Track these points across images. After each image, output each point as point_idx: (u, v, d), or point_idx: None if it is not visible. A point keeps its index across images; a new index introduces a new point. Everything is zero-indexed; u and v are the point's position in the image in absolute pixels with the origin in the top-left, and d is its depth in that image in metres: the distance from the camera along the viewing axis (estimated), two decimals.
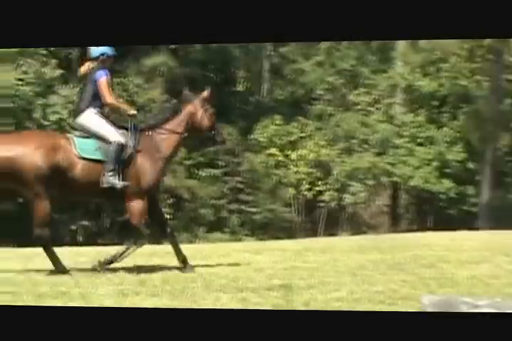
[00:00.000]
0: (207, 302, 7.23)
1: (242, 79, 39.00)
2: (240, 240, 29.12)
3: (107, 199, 10.00)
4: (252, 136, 34.93)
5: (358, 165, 33.43)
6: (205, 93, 9.89)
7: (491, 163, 33.02)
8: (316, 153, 33.93)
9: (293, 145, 34.62)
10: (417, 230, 26.58)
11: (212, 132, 9.89)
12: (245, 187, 34.27)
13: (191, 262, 9.55)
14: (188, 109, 9.76)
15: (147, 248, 10.23)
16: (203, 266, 9.80)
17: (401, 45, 36.08)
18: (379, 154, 34.16)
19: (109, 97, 9.43)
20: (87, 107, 9.44)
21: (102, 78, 9.43)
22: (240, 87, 38.95)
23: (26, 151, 8.95)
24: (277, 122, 34.92)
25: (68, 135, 9.50)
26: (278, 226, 34.22)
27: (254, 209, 33.82)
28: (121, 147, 9.25)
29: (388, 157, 33.86)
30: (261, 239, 28.14)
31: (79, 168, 9.12)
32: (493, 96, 34.03)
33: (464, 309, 4.60)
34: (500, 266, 9.68)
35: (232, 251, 12.17)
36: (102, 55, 9.57)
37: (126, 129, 9.48)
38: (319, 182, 33.75)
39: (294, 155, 34.18)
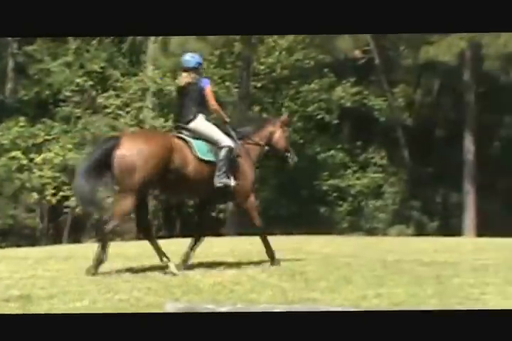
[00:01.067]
0: None
1: None
2: None
3: (215, 197, 10.83)
4: None
5: None
6: (284, 116, 11.75)
7: None
8: (63, 156, 33.40)
9: (38, 148, 33.93)
10: (165, 237, 26.80)
11: (287, 154, 11.50)
12: None
13: None
14: (269, 127, 11.20)
15: None
16: None
17: (152, 48, 36.30)
18: None
19: (215, 103, 10.48)
20: (197, 113, 10.33)
21: (208, 86, 10.47)
22: None
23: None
24: (21, 124, 34.07)
25: (182, 136, 10.21)
26: (20, 233, 33.42)
27: None
28: (231, 150, 10.31)
29: None
30: (0, 247, 27.35)
31: (192, 167, 10.00)
32: (241, 102, 34.81)
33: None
34: (243, 271, 9.90)
35: None
36: (199, 64, 10.66)
37: (228, 135, 10.51)
38: (65, 187, 33.20)
39: (38, 159, 33.48)
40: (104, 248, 9.60)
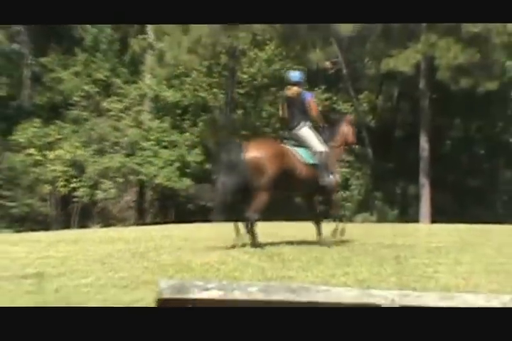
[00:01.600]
0: None
1: (4, 85, 37.56)
2: None
3: (318, 194, 11.44)
4: (12, 137, 33.82)
5: (110, 165, 33.14)
6: (350, 116, 12.47)
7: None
8: (72, 153, 33.33)
9: (50, 146, 33.80)
10: (160, 223, 26.74)
11: (354, 146, 12.61)
12: (4, 184, 33.13)
13: None
14: (343, 129, 11.56)
15: None
16: None
17: (149, 59, 36.24)
18: (128, 155, 34.05)
19: (315, 112, 11.02)
20: (301, 122, 10.85)
21: (312, 98, 11.15)
22: (2, 92, 37.50)
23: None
24: (36, 125, 33.97)
25: (285, 144, 10.79)
26: (34, 219, 33.31)
27: (12, 204, 32.77)
28: (325, 154, 10.86)
29: (136, 158, 33.81)
30: (18, 231, 27.25)
31: (300, 170, 10.58)
32: (227, 107, 34.89)
33: (196, 291, 4.64)
34: (228, 253, 9.88)
35: None
36: (302, 79, 11.12)
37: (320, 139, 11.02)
38: (74, 180, 33.14)
39: (51, 155, 33.36)
40: (254, 236, 10.53)
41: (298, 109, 10.89)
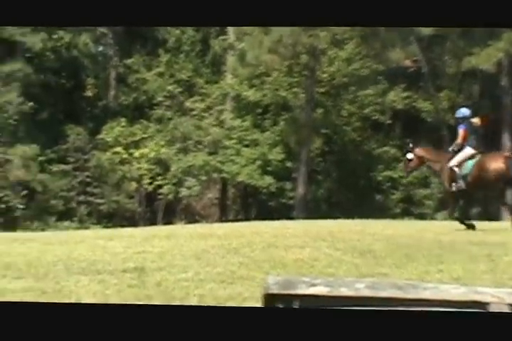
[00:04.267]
0: (68, 284, 7.04)
1: (91, 85, 38.33)
2: (86, 228, 28.60)
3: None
4: (99, 136, 34.47)
5: (193, 163, 33.48)
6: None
7: (305, 163, 33.69)
8: (157, 151, 33.82)
9: (136, 144, 34.34)
10: (243, 220, 26.89)
11: None
12: (93, 181, 33.79)
13: (50, 247, 9.28)
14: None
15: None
16: (63, 250, 9.52)
17: (230, 60, 36.43)
18: (211, 153, 34.33)
19: (459, 140, 14.11)
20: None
21: (461, 129, 14.15)
22: (89, 93, 38.28)
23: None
24: (122, 124, 34.58)
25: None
26: (122, 215, 33.88)
27: (100, 201, 33.40)
28: None
29: (219, 156, 34.08)
30: (106, 227, 27.72)
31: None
32: (307, 105, 34.82)
33: (303, 287, 4.62)
34: (320, 249, 9.85)
35: (87, 237, 11.86)
36: (465, 115, 14.20)
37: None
38: (159, 177, 33.61)
39: (137, 154, 33.91)
40: None
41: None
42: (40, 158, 33.09)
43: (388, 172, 35.43)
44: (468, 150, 14.02)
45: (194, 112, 35.38)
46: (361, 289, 4.89)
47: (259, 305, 5.30)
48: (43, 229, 27.59)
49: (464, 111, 14.27)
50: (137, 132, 34.60)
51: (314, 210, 32.05)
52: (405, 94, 35.79)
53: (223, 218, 33.39)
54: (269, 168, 33.89)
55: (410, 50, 33.96)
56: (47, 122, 34.81)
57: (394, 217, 31.14)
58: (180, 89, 36.00)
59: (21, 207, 31.92)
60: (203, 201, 35.96)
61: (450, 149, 14.45)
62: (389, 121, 35.97)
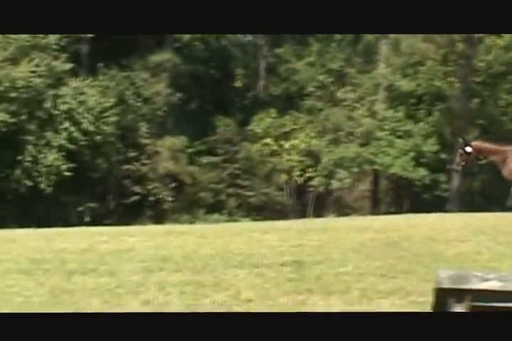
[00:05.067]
0: (227, 278, 7.18)
1: (240, 76, 38.92)
2: (236, 221, 29.04)
3: None
4: (249, 128, 34.94)
5: (344, 155, 33.40)
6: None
7: None
8: (307, 143, 33.95)
9: (286, 136, 34.59)
10: (396, 212, 26.59)
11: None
12: (242, 173, 34.28)
13: (205, 240, 9.49)
14: None
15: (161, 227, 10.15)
16: (219, 244, 9.70)
17: (384, 48, 36.07)
18: (363, 145, 34.15)
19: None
20: None
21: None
22: (238, 83, 38.88)
23: None
24: (272, 115, 34.91)
25: None
26: (271, 208, 34.24)
27: (250, 193, 33.83)
28: None
29: (371, 148, 33.85)
30: (255, 220, 28.06)
31: None
32: (463, 95, 34.11)
33: (476, 281, 4.55)
34: (482, 243, 9.64)
35: (242, 230, 12.05)
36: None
37: None
38: (309, 169, 33.74)
39: (287, 145, 34.16)
40: None
41: None
42: (189, 150, 33.82)
43: None
44: None
45: (346, 103, 35.25)
46: None
47: (424, 300, 5.20)
48: (191, 222, 28.14)
49: None
50: (287, 123, 34.84)
51: (469, 203, 31.29)
52: None
53: (375, 211, 33.15)
54: (422, 160, 33.37)
55: None
56: (195, 113, 35.51)
57: None
58: (331, 79, 35.96)
59: (170, 199, 32.68)
60: (355, 193, 35.83)
61: None
62: None
